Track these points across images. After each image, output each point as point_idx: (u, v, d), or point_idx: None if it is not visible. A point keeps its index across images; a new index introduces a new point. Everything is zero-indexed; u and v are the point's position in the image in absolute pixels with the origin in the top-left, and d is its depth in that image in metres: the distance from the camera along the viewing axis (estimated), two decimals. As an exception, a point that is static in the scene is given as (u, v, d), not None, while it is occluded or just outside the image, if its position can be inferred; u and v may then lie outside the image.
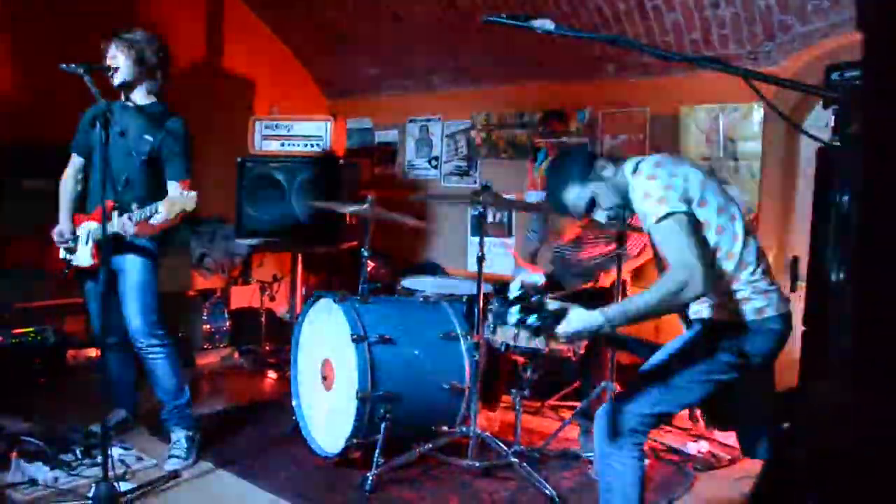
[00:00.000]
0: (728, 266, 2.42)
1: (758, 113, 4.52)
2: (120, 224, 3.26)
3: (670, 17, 4.48)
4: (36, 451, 3.36)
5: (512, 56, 5.39)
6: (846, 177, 2.29)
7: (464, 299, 3.97)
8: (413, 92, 6.41)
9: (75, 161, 3.65)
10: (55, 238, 3.53)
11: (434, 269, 5.87)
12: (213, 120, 5.77)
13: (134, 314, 3.46)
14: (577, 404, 4.05)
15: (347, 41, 6.22)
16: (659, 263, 2.60)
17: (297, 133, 5.42)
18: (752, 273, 2.44)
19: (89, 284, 3.65)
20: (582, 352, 3.63)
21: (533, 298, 2.15)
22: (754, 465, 3.63)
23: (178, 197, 3.14)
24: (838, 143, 2.36)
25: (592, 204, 2.59)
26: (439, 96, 6.26)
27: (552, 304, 2.20)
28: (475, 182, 5.94)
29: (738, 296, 2.42)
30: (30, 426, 3.74)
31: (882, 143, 0.90)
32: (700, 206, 2.39)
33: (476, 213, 3.59)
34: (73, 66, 2.94)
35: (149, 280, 3.48)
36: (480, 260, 3.60)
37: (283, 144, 5.42)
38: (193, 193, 3.15)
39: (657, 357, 2.54)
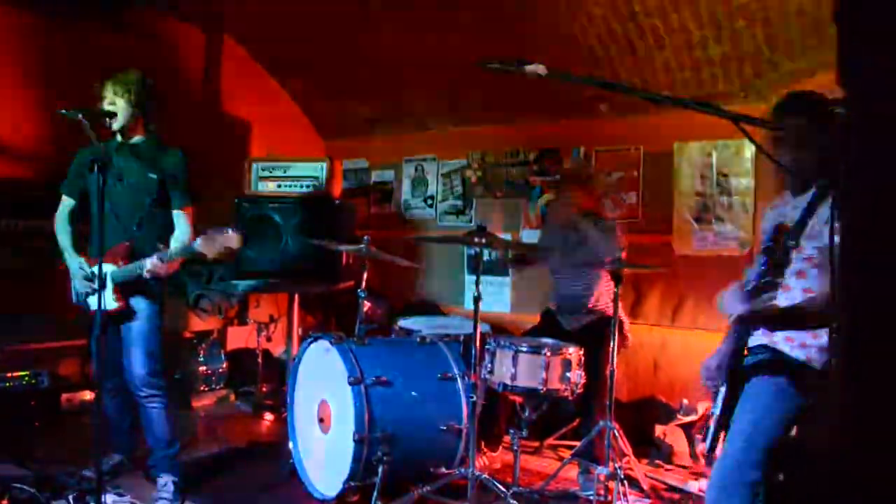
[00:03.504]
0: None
1: (749, 149, 4.57)
2: (151, 264, 3.26)
3: (661, 57, 4.55)
4: (28, 498, 3.31)
5: (506, 96, 5.46)
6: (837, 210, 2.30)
7: (461, 339, 3.96)
8: (408, 132, 6.47)
9: (67, 203, 3.65)
10: (81, 282, 3.50)
11: (430, 309, 5.86)
12: (210, 161, 5.79)
13: (137, 361, 3.44)
14: (577, 443, 4.02)
15: (342, 82, 6.30)
16: None
17: (293, 174, 5.45)
18: None
19: (98, 329, 3.62)
20: (580, 391, 3.61)
21: None
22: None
23: (220, 236, 3.17)
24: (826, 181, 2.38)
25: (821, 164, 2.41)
26: (434, 136, 6.33)
27: None
28: (471, 221, 5.96)
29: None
30: (22, 471, 3.70)
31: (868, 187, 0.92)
32: None
33: (472, 252, 3.60)
34: (73, 110, 2.96)
35: (155, 328, 3.49)
36: (477, 299, 3.60)
37: (279, 185, 5.44)
38: (235, 234, 3.20)
39: (750, 420, 2.43)
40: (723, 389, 2.52)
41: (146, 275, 3.30)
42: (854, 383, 1.00)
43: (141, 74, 3.50)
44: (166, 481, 3.53)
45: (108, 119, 3.36)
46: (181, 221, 3.48)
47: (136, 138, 3.53)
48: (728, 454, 2.44)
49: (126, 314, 3.46)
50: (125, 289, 3.43)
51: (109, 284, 3.44)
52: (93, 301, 3.49)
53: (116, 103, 3.42)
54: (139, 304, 3.46)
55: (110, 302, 3.44)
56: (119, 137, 3.52)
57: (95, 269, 3.47)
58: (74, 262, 3.54)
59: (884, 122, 0.89)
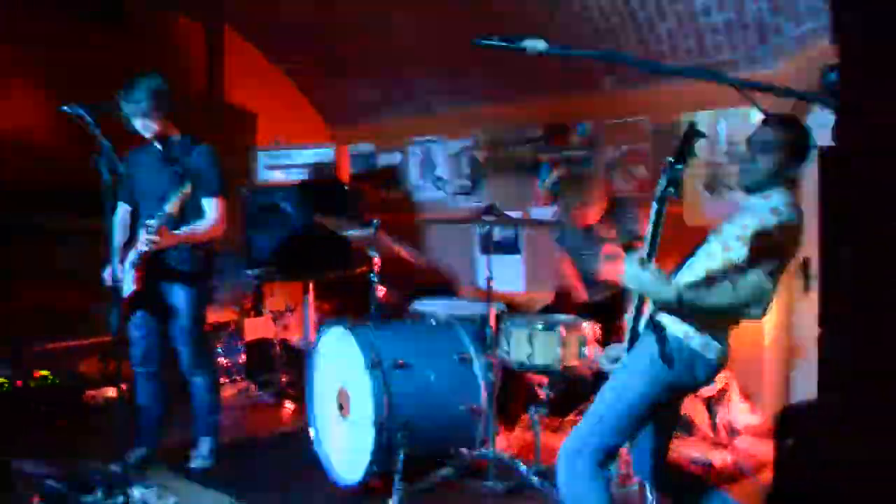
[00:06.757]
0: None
1: (757, 116, 4.50)
2: (141, 238, 3.35)
3: (664, 27, 4.50)
4: (58, 495, 3.36)
5: (509, 73, 5.42)
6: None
7: (476, 320, 3.96)
8: (413, 114, 6.44)
9: (121, 207, 3.78)
10: (106, 278, 3.57)
11: (444, 291, 5.86)
12: (215, 153, 5.80)
13: (183, 344, 3.65)
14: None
15: (345, 67, 6.27)
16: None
17: (300, 161, 5.45)
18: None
19: (137, 313, 3.72)
20: (598, 366, 3.61)
21: None
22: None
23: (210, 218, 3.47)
24: (833, 146, 2.35)
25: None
26: (440, 117, 6.29)
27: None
28: (480, 200, 5.95)
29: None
30: (50, 469, 3.74)
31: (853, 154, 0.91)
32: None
33: (483, 232, 3.59)
34: (75, 106, 2.98)
35: (197, 311, 3.69)
36: (489, 280, 3.60)
37: (286, 173, 5.44)
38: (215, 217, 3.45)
39: (615, 386, 2.58)
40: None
41: (145, 245, 3.36)
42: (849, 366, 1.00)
43: (148, 85, 3.49)
44: (204, 442, 3.80)
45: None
46: (209, 208, 3.61)
47: (167, 135, 3.64)
48: (591, 415, 2.60)
49: (158, 299, 3.63)
50: (158, 272, 3.55)
51: (131, 269, 3.51)
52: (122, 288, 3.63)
53: (137, 123, 3.52)
54: (178, 290, 3.62)
55: (129, 286, 3.53)
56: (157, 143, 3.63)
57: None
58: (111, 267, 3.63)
59: (876, 77, 0.87)
